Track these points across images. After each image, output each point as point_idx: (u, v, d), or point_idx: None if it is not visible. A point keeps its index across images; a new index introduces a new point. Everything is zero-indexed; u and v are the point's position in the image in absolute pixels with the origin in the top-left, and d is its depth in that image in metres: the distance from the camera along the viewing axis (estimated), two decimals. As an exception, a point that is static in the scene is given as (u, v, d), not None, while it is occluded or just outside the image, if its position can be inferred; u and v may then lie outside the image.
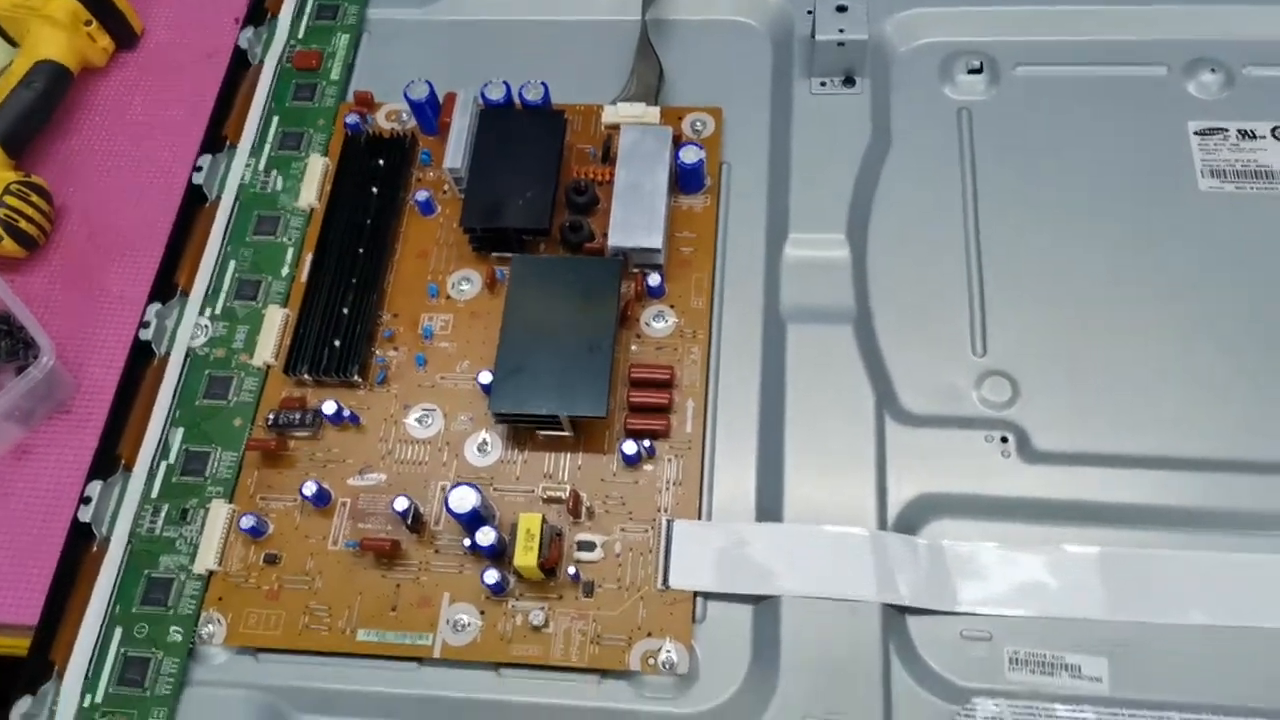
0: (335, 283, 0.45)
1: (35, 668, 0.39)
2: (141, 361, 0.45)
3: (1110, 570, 0.38)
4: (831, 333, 0.44)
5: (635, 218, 0.44)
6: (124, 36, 0.56)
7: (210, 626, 0.39)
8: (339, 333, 0.44)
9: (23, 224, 0.48)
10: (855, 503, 0.40)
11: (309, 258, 0.46)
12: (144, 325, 0.45)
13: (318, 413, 0.42)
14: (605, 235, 0.44)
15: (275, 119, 0.51)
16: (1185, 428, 0.41)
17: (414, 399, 0.43)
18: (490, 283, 0.45)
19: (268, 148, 0.50)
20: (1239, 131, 0.47)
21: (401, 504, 0.39)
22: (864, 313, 0.44)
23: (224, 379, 0.44)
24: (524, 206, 0.44)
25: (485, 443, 0.42)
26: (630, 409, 0.42)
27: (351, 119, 0.49)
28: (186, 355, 0.45)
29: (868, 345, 0.43)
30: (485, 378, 0.42)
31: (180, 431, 0.43)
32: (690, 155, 0.45)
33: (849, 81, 0.50)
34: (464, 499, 0.38)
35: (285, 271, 0.47)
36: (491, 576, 0.38)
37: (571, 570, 0.39)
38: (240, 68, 0.53)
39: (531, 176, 0.45)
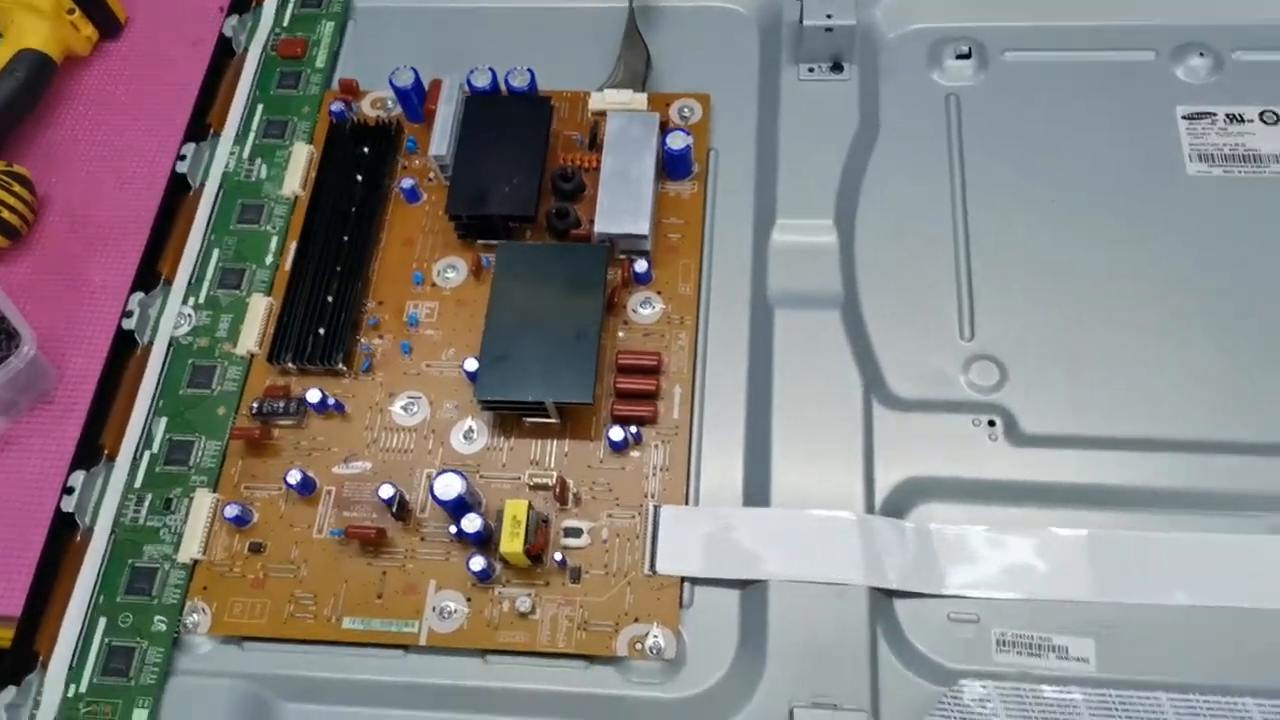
0: (320, 271, 0.45)
1: (19, 658, 0.39)
2: (124, 351, 0.45)
3: (1097, 552, 0.38)
4: (819, 318, 0.43)
5: (622, 204, 0.44)
6: (108, 25, 0.55)
7: (195, 616, 0.39)
8: (323, 321, 0.44)
9: (5, 213, 0.48)
10: (843, 487, 0.40)
11: (293, 246, 0.46)
12: (127, 314, 0.45)
13: (302, 401, 0.42)
14: (592, 222, 0.44)
15: (260, 107, 0.51)
16: (1172, 410, 0.41)
17: (399, 387, 0.43)
18: (476, 270, 0.45)
19: (252, 136, 0.50)
20: (1227, 116, 0.47)
21: (387, 491, 0.39)
22: (851, 298, 0.44)
23: (208, 368, 0.44)
24: (510, 193, 0.44)
25: (471, 430, 0.42)
26: (617, 395, 0.42)
27: (336, 106, 0.49)
28: (170, 344, 0.45)
29: (855, 330, 0.43)
30: (471, 365, 0.41)
31: (164, 421, 0.43)
32: (677, 141, 0.45)
33: (837, 67, 0.50)
34: (449, 486, 0.38)
35: (269, 260, 0.46)
36: (478, 563, 0.38)
37: (558, 556, 0.39)
38: (225, 55, 0.53)
39: (517, 163, 0.45)
